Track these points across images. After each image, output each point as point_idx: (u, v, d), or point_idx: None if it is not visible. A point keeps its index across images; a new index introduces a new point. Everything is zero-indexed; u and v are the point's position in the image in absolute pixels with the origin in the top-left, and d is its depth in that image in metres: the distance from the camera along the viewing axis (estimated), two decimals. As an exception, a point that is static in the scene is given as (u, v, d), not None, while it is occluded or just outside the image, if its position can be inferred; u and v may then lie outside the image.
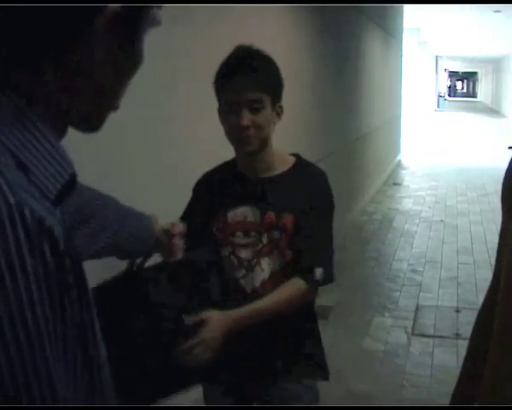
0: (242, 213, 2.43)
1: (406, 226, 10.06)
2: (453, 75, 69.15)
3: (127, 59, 0.96)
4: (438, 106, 44.54)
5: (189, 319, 2.04)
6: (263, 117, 2.34)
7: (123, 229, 2.04)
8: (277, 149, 2.55)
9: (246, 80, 2.32)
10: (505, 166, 1.46)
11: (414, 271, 7.74)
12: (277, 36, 5.76)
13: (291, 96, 6.20)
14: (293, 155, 2.59)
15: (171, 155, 3.73)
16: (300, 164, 2.58)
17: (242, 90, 2.31)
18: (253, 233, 2.42)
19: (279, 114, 2.51)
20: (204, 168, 2.65)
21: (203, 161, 2.85)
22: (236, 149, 2.46)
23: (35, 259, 0.80)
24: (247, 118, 2.29)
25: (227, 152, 2.50)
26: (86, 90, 0.93)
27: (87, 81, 0.92)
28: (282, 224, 2.40)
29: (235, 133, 2.35)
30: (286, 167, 2.50)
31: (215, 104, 2.44)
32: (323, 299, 6.11)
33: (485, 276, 5.57)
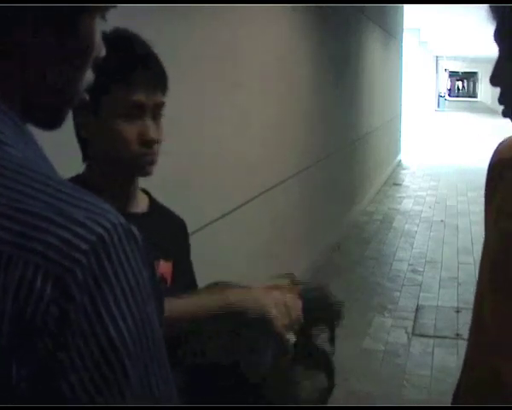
0: None
1: (406, 226, 10.06)
2: (453, 75, 69.21)
3: (71, 47, 0.90)
4: (438, 106, 44.54)
5: None
6: (162, 127, 1.79)
7: None
8: None
9: (155, 76, 1.76)
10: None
11: (414, 271, 7.75)
12: (277, 36, 5.76)
13: (291, 96, 6.21)
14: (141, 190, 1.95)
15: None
16: (154, 201, 1.96)
17: (153, 89, 1.73)
18: None
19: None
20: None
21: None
22: (113, 171, 1.80)
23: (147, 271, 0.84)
24: (154, 128, 1.75)
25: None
26: (31, 78, 0.88)
27: (29, 68, 0.87)
28: (161, 275, 1.85)
29: (132, 149, 1.73)
30: (145, 201, 1.93)
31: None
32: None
33: (486, 276, 5.56)
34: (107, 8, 0.95)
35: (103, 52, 0.97)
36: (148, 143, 1.73)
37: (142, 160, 1.74)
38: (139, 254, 0.82)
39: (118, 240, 0.79)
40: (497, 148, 1.69)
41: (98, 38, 0.94)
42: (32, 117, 0.91)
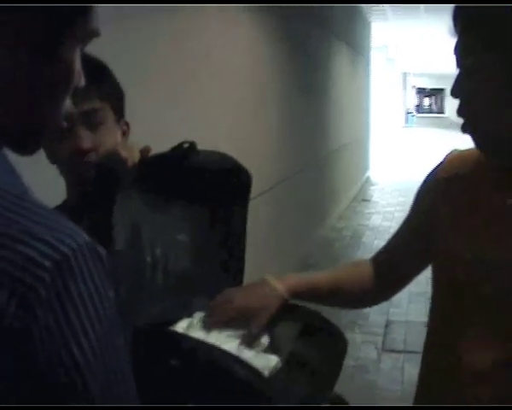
0: None
1: (376, 242, 10.09)
2: (421, 92, 69.71)
3: (49, 75, 0.89)
4: (406, 122, 44.85)
5: None
6: (104, 134, 1.70)
7: None
8: None
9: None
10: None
11: (384, 286, 7.75)
12: (245, 50, 5.77)
13: (260, 112, 6.22)
14: None
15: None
16: None
17: (82, 97, 1.60)
18: None
19: (125, 133, 1.84)
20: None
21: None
22: (72, 185, 1.77)
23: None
24: (86, 137, 1.66)
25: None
26: (6, 103, 0.87)
27: (5, 94, 0.87)
28: None
29: (71, 161, 1.68)
30: None
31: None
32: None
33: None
34: (89, 39, 0.95)
35: (83, 82, 0.97)
36: (79, 154, 1.64)
37: (80, 171, 1.67)
38: (104, 273, 0.82)
39: (82, 259, 0.79)
40: (442, 163, 1.72)
41: (78, 67, 0.93)
42: (7, 142, 0.90)
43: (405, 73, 42.93)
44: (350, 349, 5.81)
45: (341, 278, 1.85)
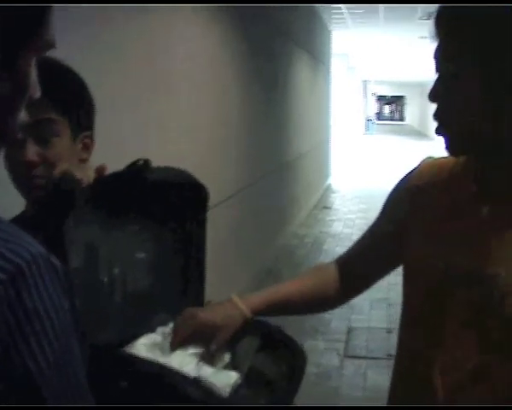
0: None
1: (337, 249, 10.12)
2: (381, 99, 70.24)
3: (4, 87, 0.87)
4: (367, 129, 45.11)
5: None
6: (57, 148, 1.61)
7: None
8: None
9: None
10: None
11: (345, 293, 7.78)
12: (205, 57, 5.75)
13: (220, 120, 6.21)
14: None
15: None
16: None
17: (36, 110, 1.50)
18: None
19: (87, 147, 1.73)
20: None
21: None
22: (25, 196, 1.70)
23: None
24: (32, 150, 1.58)
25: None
26: None
27: None
28: None
29: (21, 175, 1.62)
30: None
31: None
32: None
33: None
34: (45, 50, 0.93)
35: (38, 93, 0.95)
36: (26, 166, 1.58)
37: (27, 184, 1.62)
38: (59, 285, 0.81)
39: (37, 271, 0.78)
40: (415, 170, 1.73)
41: (34, 78, 0.92)
42: None
43: (366, 81, 43.22)
44: (312, 356, 5.82)
45: (305, 286, 1.85)
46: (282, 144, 9.99)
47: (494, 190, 1.49)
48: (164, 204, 1.70)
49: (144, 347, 1.58)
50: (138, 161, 1.64)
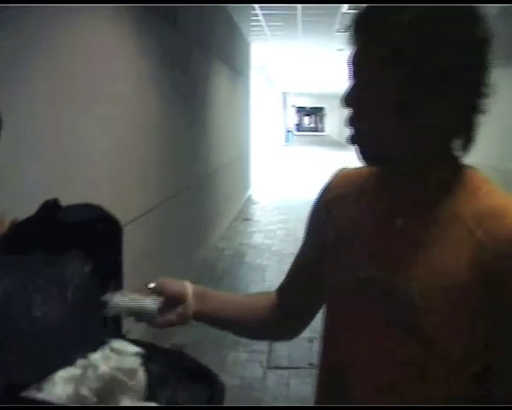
0: None
1: (258, 261, 10.16)
2: (301, 111, 70.87)
3: None
4: (286, 140, 45.49)
5: None
6: None
7: None
8: None
9: None
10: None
11: (267, 305, 7.79)
12: (123, 67, 5.71)
13: (137, 131, 6.16)
14: None
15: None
16: None
17: None
18: None
19: None
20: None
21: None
22: None
23: None
24: None
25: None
26: None
27: None
28: None
29: None
30: None
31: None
32: (177, 338, 6.06)
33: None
34: None
35: None
36: None
37: None
38: None
39: None
40: (328, 183, 1.73)
41: None
42: None
43: (285, 93, 43.59)
44: (235, 368, 5.83)
45: (243, 304, 1.87)
46: (201, 157, 9.97)
47: (407, 201, 1.49)
48: (78, 240, 1.74)
49: (62, 380, 1.57)
50: (48, 201, 1.69)
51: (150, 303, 1.71)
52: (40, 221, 1.68)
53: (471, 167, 1.50)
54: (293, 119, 61.03)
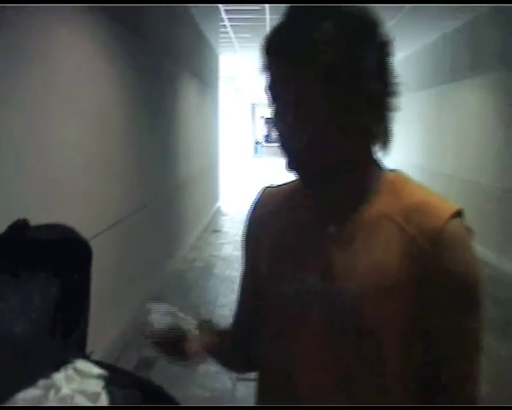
0: None
1: (227, 272, 10.14)
2: (269, 122, 71.03)
3: None
4: (255, 152, 45.48)
5: None
6: None
7: None
8: None
9: None
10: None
11: (236, 316, 7.78)
12: (91, 79, 5.68)
13: (104, 142, 6.12)
14: None
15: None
16: None
17: None
18: None
19: None
20: None
21: None
22: None
23: None
24: None
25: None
26: None
27: None
28: None
29: None
30: None
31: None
32: (148, 350, 6.02)
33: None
34: None
35: None
36: None
37: None
38: None
39: None
40: (255, 202, 1.77)
41: None
42: None
43: (254, 104, 43.65)
44: (205, 381, 5.81)
45: (224, 337, 1.86)
46: (170, 168, 9.95)
47: (337, 208, 1.54)
48: (48, 261, 1.74)
49: (22, 401, 1.56)
50: (17, 221, 1.71)
51: (185, 323, 1.79)
52: (9, 240, 1.69)
53: (393, 170, 1.58)
54: (262, 130, 61.08)
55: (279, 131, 1.50)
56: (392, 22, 11.99)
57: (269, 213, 1.69)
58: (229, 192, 20.13)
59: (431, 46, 14.87)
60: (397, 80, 1.47)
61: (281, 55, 1.44)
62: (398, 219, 1.48)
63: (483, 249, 10.68)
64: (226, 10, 11.27)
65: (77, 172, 5.20)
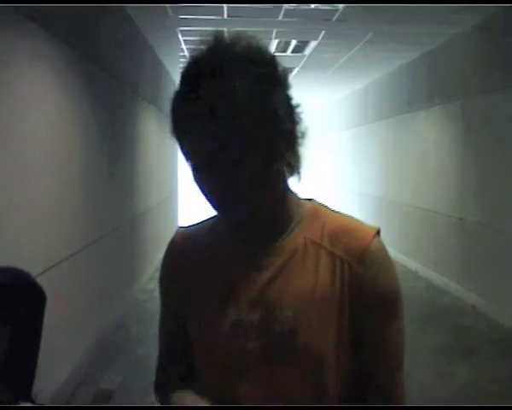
0: None
1: (187, 302, 10.06)
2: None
3: None
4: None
5: None
6: None
7: None
8: None
9: None
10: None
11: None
12: (47, 110, 5.62)
13: (61, 172, 6.06)
14: None
15: None
16: None
17: None
18: None
19: None
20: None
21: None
22: None
23: None
24: None
25: None
26: None
27: None
28: None
29: None
30: None
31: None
32: (105, 382, 5.95)
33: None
34: None
35: None
36: None
37: None
38: None
39: None
40: (169, 245, 1.78)
41: None
42: None
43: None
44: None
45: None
46: (129, 198, 9.89)
47: (260, 241, 1.59)
48: (1, 304, 1.73)
49: None
50: None
51: None
52: None
53: (309, 199, 1.66)
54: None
55: (205, 188, 1.56)
56: (351, 52, 12.11)
57: (186, 254, 1.71)
58: (189, 220, 20.03)
59: (388, 77, 15.01)
60: (302, 118, 1.54)
61: (202, 118, 1.42)
62: (324, 243, 1.56)
63: (442, 278, 10.76)
64: (185, 40, 11.29)
65: (34, 203, 5.14)
